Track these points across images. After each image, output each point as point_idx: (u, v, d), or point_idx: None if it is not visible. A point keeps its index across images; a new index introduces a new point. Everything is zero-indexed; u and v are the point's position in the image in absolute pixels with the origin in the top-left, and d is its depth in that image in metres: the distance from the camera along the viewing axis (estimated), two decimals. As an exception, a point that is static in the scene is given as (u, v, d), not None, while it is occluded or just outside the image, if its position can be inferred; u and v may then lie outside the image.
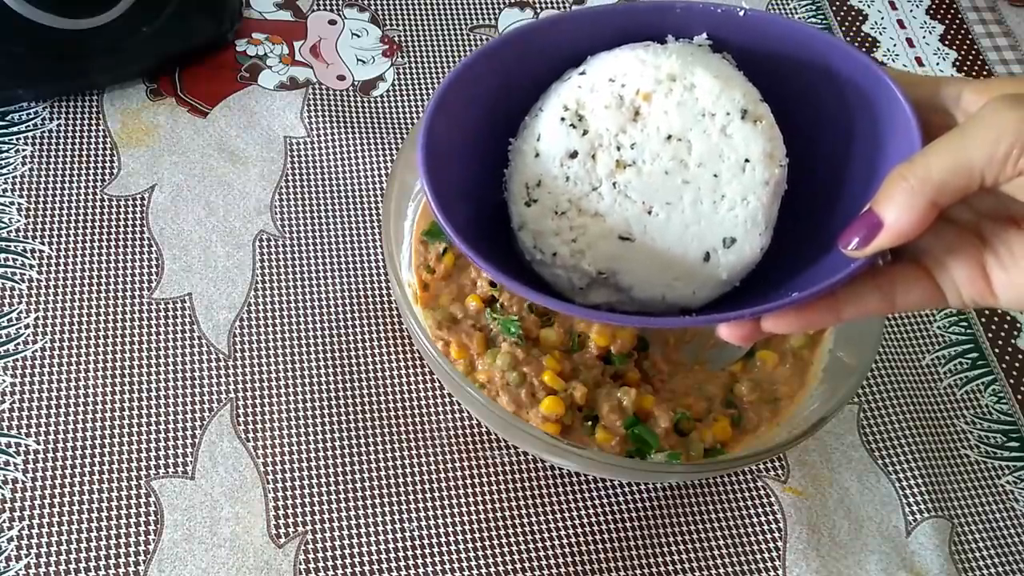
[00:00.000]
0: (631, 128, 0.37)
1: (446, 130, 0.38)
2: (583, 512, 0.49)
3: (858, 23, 0.76)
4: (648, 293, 0.39)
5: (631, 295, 0.39)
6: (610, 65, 0.37)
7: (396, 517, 0.47)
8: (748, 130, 0.36)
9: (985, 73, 0.74)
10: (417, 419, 0.51)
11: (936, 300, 0.35)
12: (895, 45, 0.75)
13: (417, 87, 0.64)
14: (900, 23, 0.76)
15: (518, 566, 0.47)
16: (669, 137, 0.37)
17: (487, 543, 0.47)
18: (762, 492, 0.51)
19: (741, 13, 0.38)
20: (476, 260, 0.36)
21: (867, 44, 0.74)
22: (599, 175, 0.37)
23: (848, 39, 0.74)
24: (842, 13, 0.76)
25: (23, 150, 0.56)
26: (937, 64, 0.74)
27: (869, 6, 0.77)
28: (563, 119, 0.37)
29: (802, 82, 0.38)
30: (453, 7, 0.69)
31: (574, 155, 0.37)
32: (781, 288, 0.37)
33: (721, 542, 0.49)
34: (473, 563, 0.47)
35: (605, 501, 0.50)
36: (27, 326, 0.50)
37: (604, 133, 0.37)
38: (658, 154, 0.37)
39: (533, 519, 0.49)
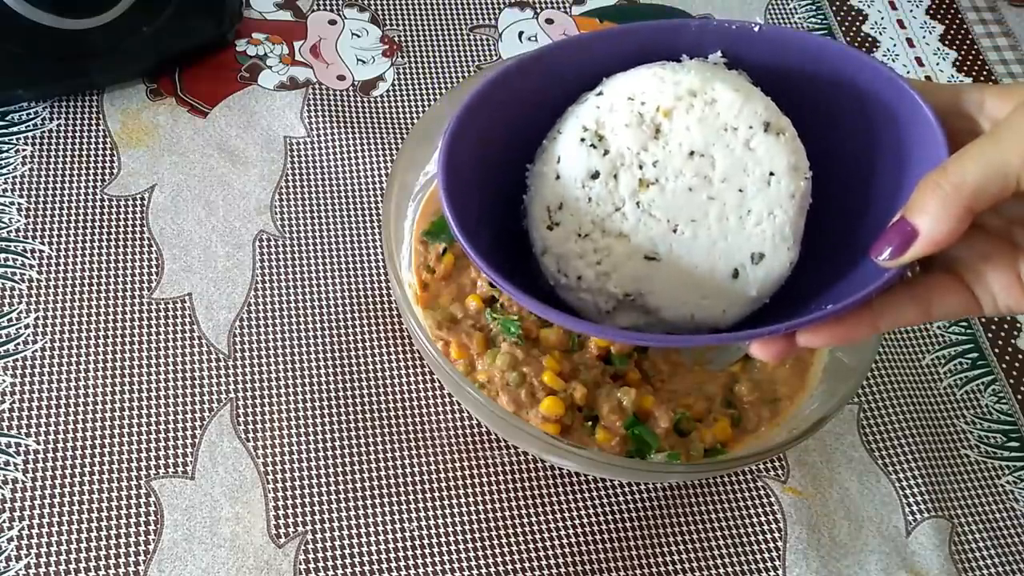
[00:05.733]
0: (653, 146, 0.36)
1: (464, 158, 0.37)
2: (583, 512, 0.49)
3: (858, 23, 0.76)
4: (676, 313, 0.38)
5: (659, 316, 0.38)
6: (628, 84, 0.37)
7: (396, 517, 0.47)
8: (771, 143, 0.36)
9: (985, 73, 0.74)
10: (417, 419, 0.51)
11: (972, 308, 0.34)
12: (895, 45, 0.75)
13: (417, 87, 0.64)
14: (900, 23, 0.76)
15: (518, 566, 0.47)
16: (692, 153, 0.36)
17: (487, 543, 0.47)
18: (762, 492, 0.51)
19: (755, 29, 0.38)
20: (507, 288, 0.35)
21: (867, 44, 0.74)
22: (622, 195, 0.37)
23: (848, 39, 0.74)
24: (842, 13, 0.76)
25: (23, 150, 0.56)
26: (937, 64, 0.74)
27: (869, 6, 0.77)
28: (583, 140, 0.37)
29: (820, 95, 0.38)
30: (453, 7, 0.69)
31: (596, 176, 0.37)
32: (812, 303, 0.37)
33: (721, 542, 0.49)
34: (473, 563, 0.47)
35: (605, 501, 0.50)
36: (27, 326, 0.50)
37: (625, 152, 0.36)
38: (681, 171, 0.36)
39: (533, 519, 0.49)
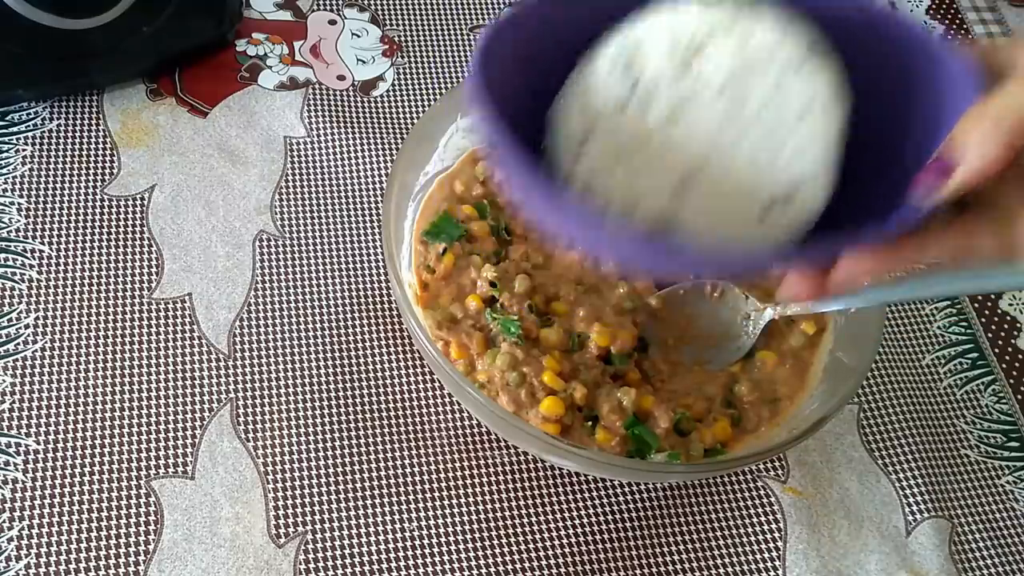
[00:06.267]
0: (686, 75, 0.34)
1: (500, 67, 0.35)
2: (583, 512, 0.49)
3: (858, 23, 0.75)
4: None
5: None
6: (664, 15, 0.36)
7: (396, 517, 0.47)
8: (806, 79, 0.34)
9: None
10: (417, 419, 0.51)
11: (1009, 252, 0.34)
12: (895, 45, 0.75)
13: (417, 87, 0.64)
14: None
15: (518, 566, 0.47)
16: (725, 85, 0.34)
17: (487, 543, 0.47)
18: (762, 492, 0.51)
19: None
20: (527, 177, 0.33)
21: (867, 44, 0.74)
22: (653, 123, 0.35)
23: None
24: (842, 13, 0.76)
25: (23, 150, 0.56)
26: (937, 64, 0.74)
27: (869, 6, 0.77)
28: (615, 67, 0.35)
29: (852, 47, 0.37)
30: (453, 7, 0.69)
31: (626, 103, 0.35)
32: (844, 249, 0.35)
33: (721, 542, 0.49)
34: (473, 563, 0.47)
35: (605, 501, 0.50)
36: (27, 326, 0.50)
37: (659, 80, 0.35)
38: (713, 102, 0.34)
39: (533, 519, 0.49)
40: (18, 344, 0.49)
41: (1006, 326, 0.61)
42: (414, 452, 0.49)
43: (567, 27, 0.38)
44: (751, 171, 0.34)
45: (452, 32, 0.68)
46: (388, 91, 0.63)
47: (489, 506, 0.49)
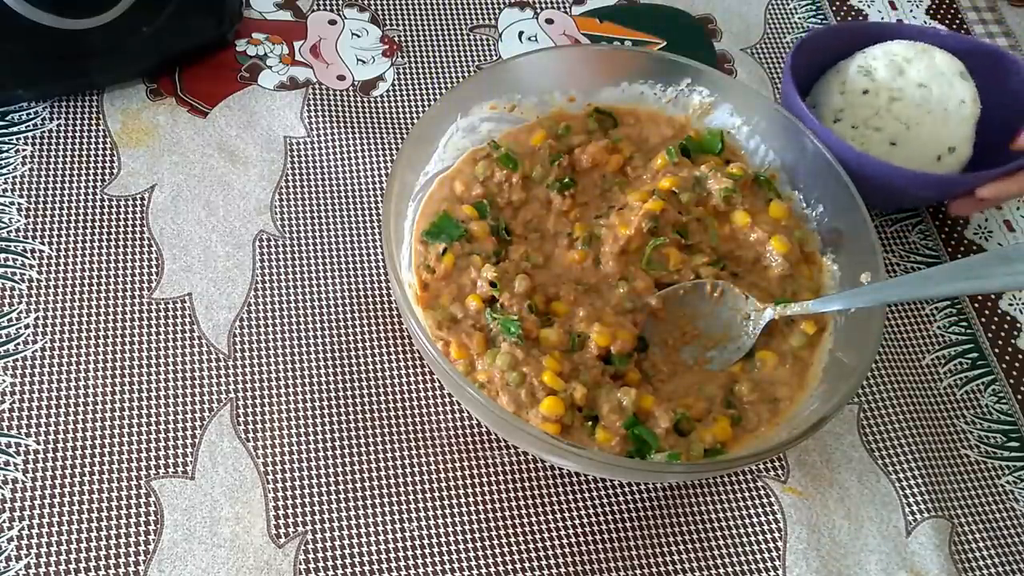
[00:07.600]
0: (898, 78, 0.61)
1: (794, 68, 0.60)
2: (583, 512, 0.49)
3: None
4: None
5: None
6: (885, 46, 0.62)
7: (396, 517, 0.47)
8: (964, 84, 0.61)
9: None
10: (417, 419, 0.51)
11: None
12: (895, 45, 0.74)
13: (417, 87, 0.64)
14: (900, 23, 0.76)
15: (518, 566, 0.47)
16: (921, 83, 0.60)
17: (487, 543, 0.48)
18: (762, 492, 0.51)
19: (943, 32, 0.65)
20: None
21: (867, 44, 0.74)
22: (881, 104, 0.60)
23: (848, 39, 0.74)
24: (842, 13, 0.76)
25: (23, 150, 0.56)
26: (937, 64, 0.74)
27: (869, 6, 0.77)
28: (860, 71, 0.61)
29: (987, 71, 0.62)
30: (453, 7, 0.69)
31: (867, 91, 0.61)
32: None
33: (721, 542, 0.49)
34: (473, 563, 0.47)
35: (605, 501, 0.50)
36: (27, 326, 0.50)
37: (884, 80, 0.61)
38: (914, 93, 0.60)
39: (533, 519, 0.49)
40: (18, 344, 0.49)
41: (1006, 326, 0.61)
42: (414, 452, 0.49)
43: (832, 47, 0.64)
44: (931, 133, 0.60)
45: (452, 32, 0.68)
46: (388, 91, 0.63)
47: (489, 506, 0.49)
